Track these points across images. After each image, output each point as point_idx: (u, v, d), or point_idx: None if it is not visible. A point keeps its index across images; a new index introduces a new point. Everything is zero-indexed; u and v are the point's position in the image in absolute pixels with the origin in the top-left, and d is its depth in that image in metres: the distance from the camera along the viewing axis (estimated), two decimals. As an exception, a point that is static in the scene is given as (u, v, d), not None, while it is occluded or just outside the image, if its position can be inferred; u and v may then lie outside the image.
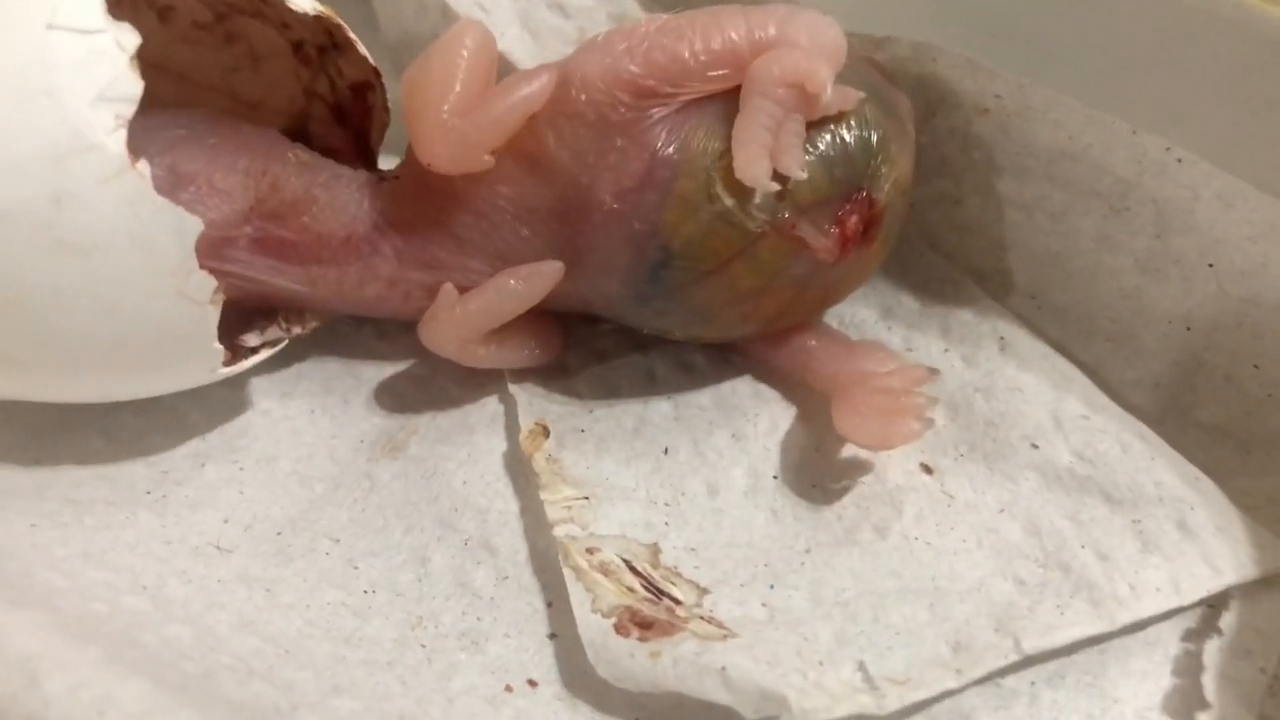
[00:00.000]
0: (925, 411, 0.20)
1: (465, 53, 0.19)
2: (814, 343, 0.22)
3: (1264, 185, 0.20)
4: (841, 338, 0.22)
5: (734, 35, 0.19)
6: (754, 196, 0.19)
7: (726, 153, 0.19)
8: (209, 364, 0.20)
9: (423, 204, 0.21)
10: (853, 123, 0.19)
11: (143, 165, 0.18)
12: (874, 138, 0.20)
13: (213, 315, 0.19)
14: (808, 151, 0.19)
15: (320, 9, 0.21)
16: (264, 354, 0.21)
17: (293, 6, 0.20)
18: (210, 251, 0.20)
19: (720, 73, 0.19)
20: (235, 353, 0.21)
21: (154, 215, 0.18)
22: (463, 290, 0.21)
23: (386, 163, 0.23)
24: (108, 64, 0.17)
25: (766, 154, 0.19)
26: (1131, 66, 0.21)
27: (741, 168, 0.19)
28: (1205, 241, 0.21)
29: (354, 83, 0.23)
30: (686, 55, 0.19)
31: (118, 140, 0.17)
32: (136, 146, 0.18)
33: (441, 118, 0.19)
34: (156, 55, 0.21)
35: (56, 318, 0.18)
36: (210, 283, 0.19)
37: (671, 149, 0.19)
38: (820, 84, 0.18)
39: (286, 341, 0.22)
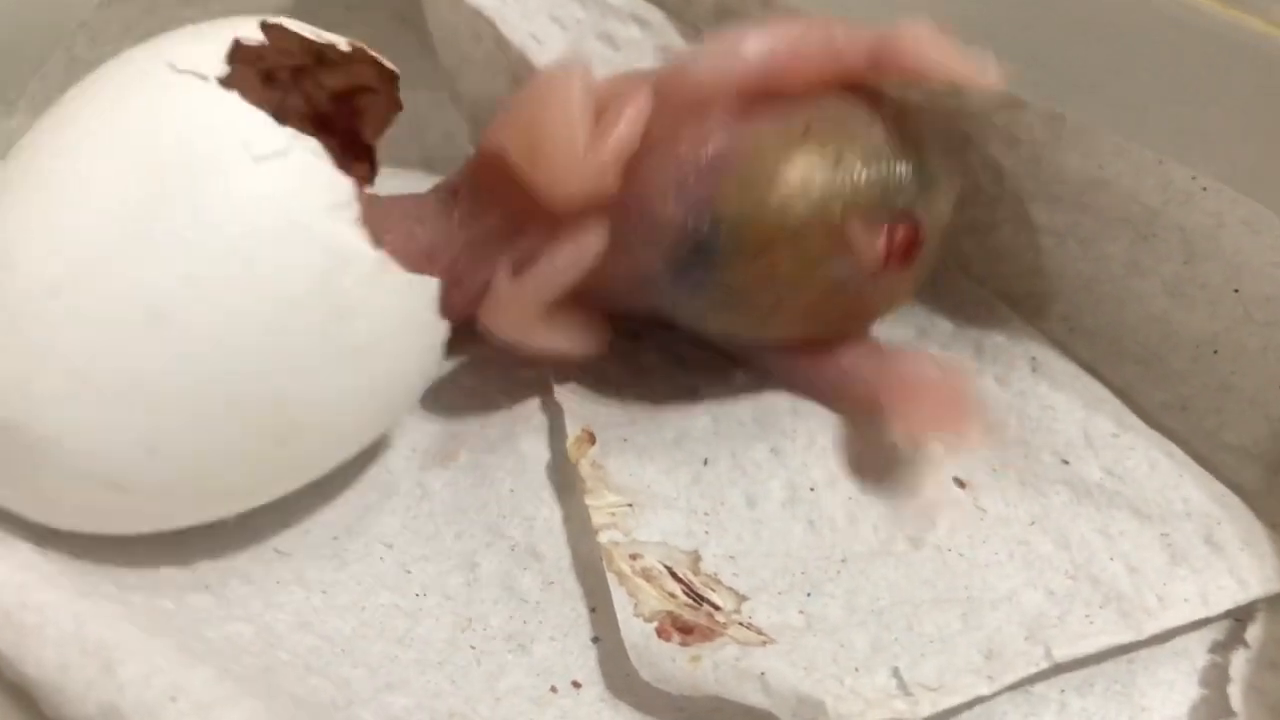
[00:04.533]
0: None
1: (578, 94, 0.20)
2: (848, 353, 0.22)
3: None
4: (875, 344, 0.23)
5: (838, 37, 0.20)
6: (813, 188, 0.20)
7: (791, 135, 0.20)
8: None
9: (485, 206, 0.22)
10: (919, 155, 0.20)
11: (383, 250, 0.19)
12: (932, 171, 0.21)
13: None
14: (874, 167, 0.20)
15: (316, 33, 0.21)
16: None
17: (318, 39, 0.21)
18: None
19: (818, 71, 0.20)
20: None
21: (410, 287, 0.19)
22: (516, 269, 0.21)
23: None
24: (314, 173, 0.18)
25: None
26: (1159, 96, 0.22)
27: (976, 70, 0.20)
28: (1231, 267, 0.21)
29: (339, 89, 0.23)
30: (799, 56, 0.20)
31: (360, 237, 0.18)
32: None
33: (578, 160, 0.20)
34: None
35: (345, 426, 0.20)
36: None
37: (742, 134, 0.20)
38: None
39: None
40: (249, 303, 0.18)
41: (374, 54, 0.21)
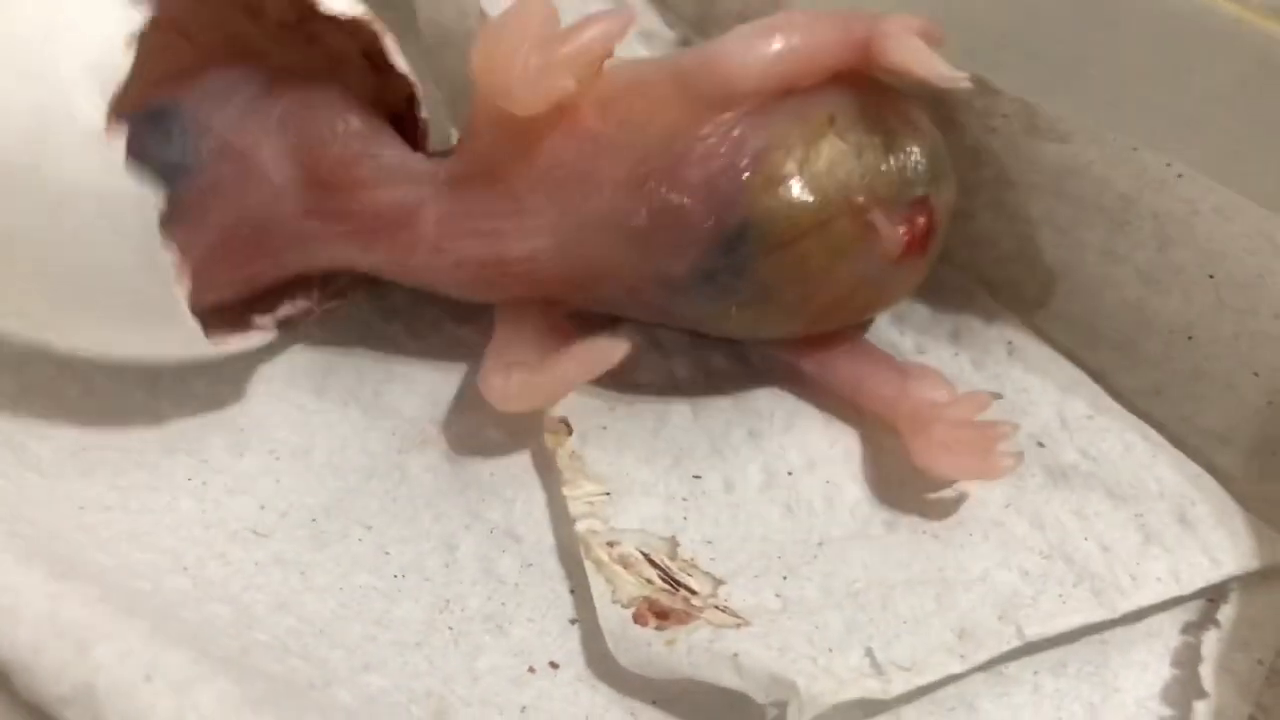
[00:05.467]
0: (1012, 443, 0.21)
1: (539, 6, 0.20)
2: (865, 363, 0.22)
3: (1261, 200, 0.21)
4: (887, 358, 0.23)
5: (856, 28, 0.20)
6: (838, 174, 0.20)
7: (816, 126, 0.20)
8: (186, 337, 0.20)
9: (480, 173, 0.21)
10: (929, 143, 0.21)
11: (118, 139, 0.18)
12: (942, 159, 0.21)
13: (178, 292, 0.19)
14: (893, 156, 0.20)
15: (359, 13, 0.21)
16: (254, 340, 0.22)
17: (327, 9, 0.21)
18: (263, 222, 0.21)
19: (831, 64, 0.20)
20: (248, 327, 0.22)
21: (122, 185, 0.18)
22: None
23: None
24: (103, 40, 0.18)
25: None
26: (1133, 84, 0.22)
27: (937, 72, 0.20)
28: (1205, 253, 0.21)
29: (405, 95, 0.23)
30: (822, 49, 0.20)
31: (97, 110, 0.18)
32: (201, 112, 0.19)
33: (526, 58, 0.19)
34: (246, 46, 0.22)
35: (33, 268, 0.19)
36: (171, 259, 0.19)
37: (766, 126, 0.20)
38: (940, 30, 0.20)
39: (274, 336, 0.22)
40: None
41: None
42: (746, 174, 0.20)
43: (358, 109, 0.22)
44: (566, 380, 0.21)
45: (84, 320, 0.20)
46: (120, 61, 0.18)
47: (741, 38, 0.20)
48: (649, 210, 0.20)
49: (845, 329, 0.23)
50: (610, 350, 0.21)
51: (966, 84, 0.20)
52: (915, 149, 0.20)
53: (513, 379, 0.21)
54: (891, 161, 0.20)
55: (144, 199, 0.19)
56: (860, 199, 0.20)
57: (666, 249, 0.21)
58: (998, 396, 0.22)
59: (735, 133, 0.20)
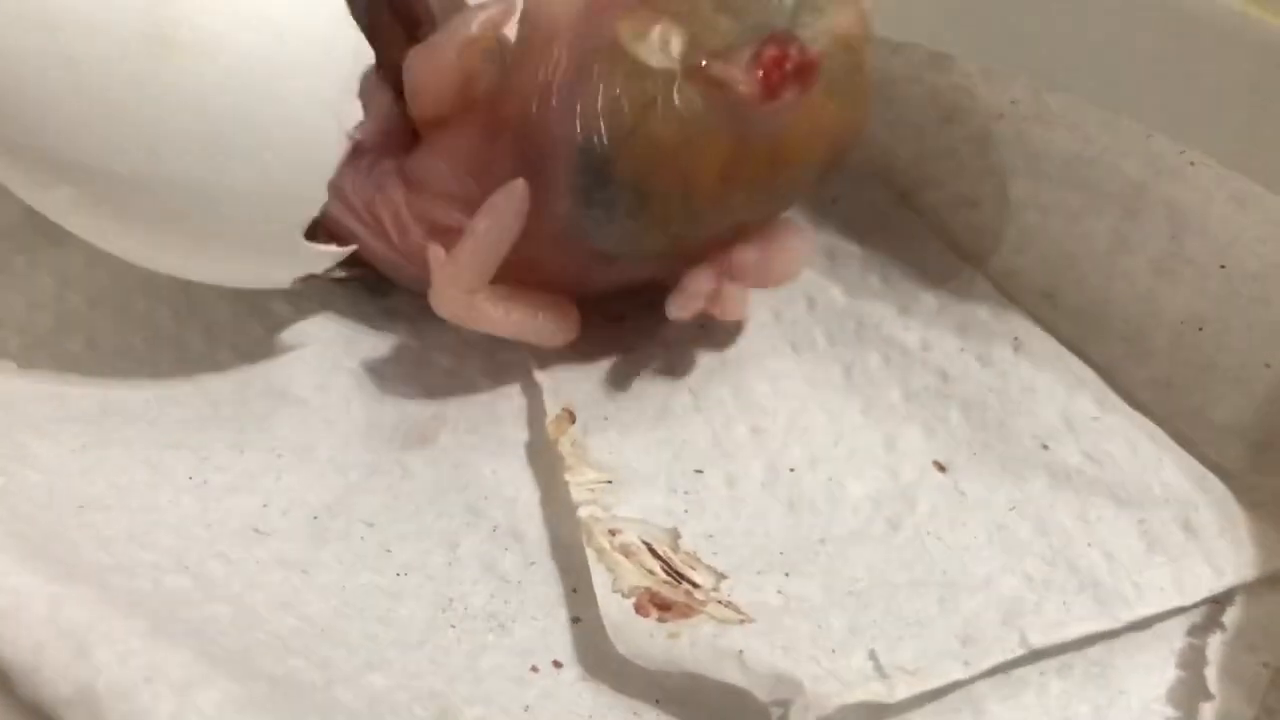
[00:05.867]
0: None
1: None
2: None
3: (1276, 189, 0.21)
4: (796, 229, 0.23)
5: None
6: (666, 45, 0.19)
7: (632, 11, 0.20)
8: (315, 198, 0.21)
9: (415, 157, 0.22)
10: None
11: None
12: None
13: (345, 146, 0.20)
14: (716, 3, 0.19)
15: None
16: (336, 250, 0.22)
17: None
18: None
19: None
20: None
21: (344, 31, 0.19)
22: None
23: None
24: None
25: None
26: (1146, 73, 0.22)
27: None
28: (1218, 243, 0.21)
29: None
30: None
31: None
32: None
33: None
34: None
35: (229, 80, 0.19)
36: (358, 115, 0.20)
37: (596, 39, 0.20)
38: None
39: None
40: None
41: None
42: (585, 88, 0.20)
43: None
44: (489, 230, 0.21)
45: (245, 145, 0.20)
46: None
47: None
48: (521, 163, 0.21)
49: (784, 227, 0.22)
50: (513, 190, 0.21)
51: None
52: None
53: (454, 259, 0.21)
54: (726, 12, 0.19)
55: (360, 52, 0.19)
56: (694, 59, 0.19)
57: (545, 193, 0.21)
58: None
59: (569, 56, 0.20)
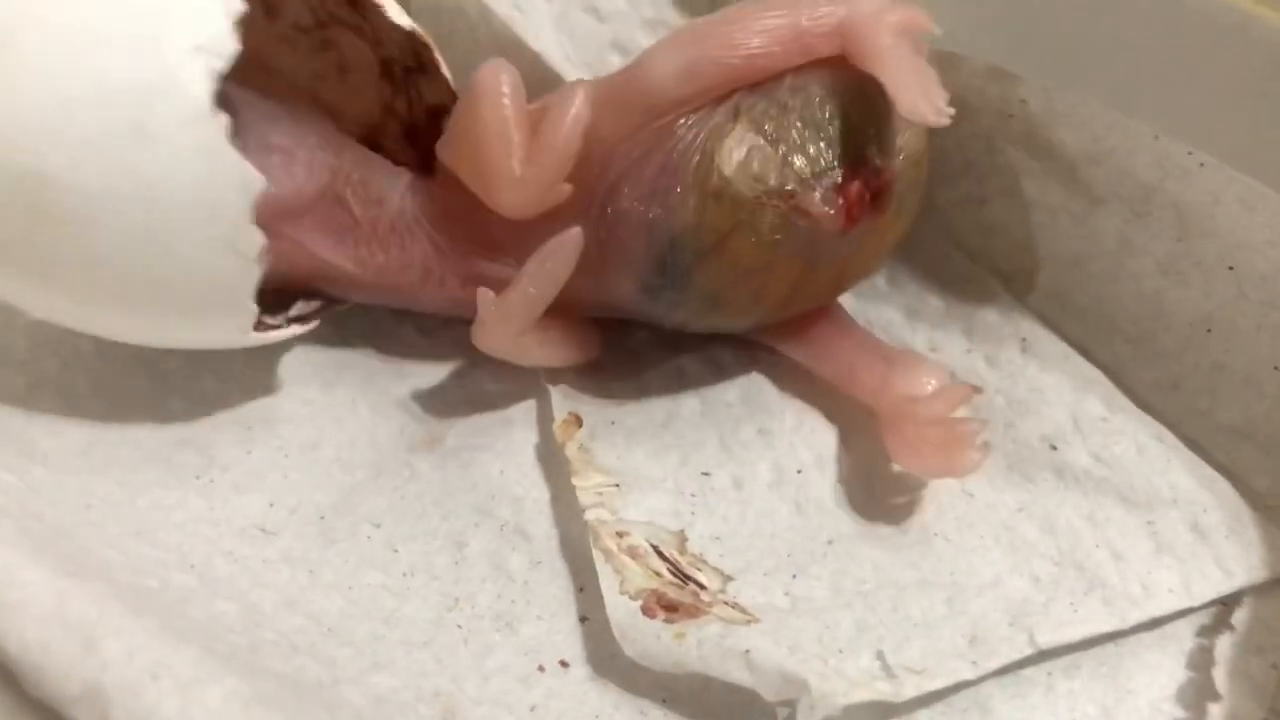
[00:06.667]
0: (980, 439, 0.20)
1: (507, 100, 0.20)
2: (851, 352, 0.22)
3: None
4: (877, 346, 0.22)
5: (806, 27, 0.19)
6: (751, 168, 0.19)
7: (722, 126, 0.20)
8: (241, 322, 0.20)
9: (457, 206, 0.22)
10: (865, 102, 0.20)
11: (222, 119, 0.18)
12: (874, 106, 0.20)
13: (255, 273, 0.20)
14: (805, 123, 0.20)
15: (414, 26, 0.22)
16: (293, 330, 0.22)
17: (390, 17, 0.21)
18: (278, 218, 0.21)
19: (774, 57, 0.20)
20: (267, 329, 0.22)
21: (223, 165, 0.19)
22: (497, 287, 0.21)
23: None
24: (211, 21, 0.18)
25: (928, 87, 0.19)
26: (1155, 73, 0.22)
27: (913, 108, 0.18)
28: (1226, 245, 0.21)
29: (431, 106, 0.23)
30: (753, 48, 0.19)
31: (204, 89, 0.18)
32: (240, 115, 0.19)
33: (514, 173, 0.20)
34: (254, 48, 0.22)
35: (112, 243, 0.19)
36: (260, 242, 0.19)
37: (689, 136, 0.20)
38: (927, 21, 0.19)
39: (315, 324, 0.23)
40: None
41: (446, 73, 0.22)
42: (669, 194, 0.20)
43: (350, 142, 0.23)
44: (543, 280, 0.21)
45: (146, 299, 0.20)
46: (228, 43, 0.18)
47: (661, 47, 0.20)
48: (595, 240, 0.21)
49: (829, 309, 0.22)
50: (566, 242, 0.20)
51: (946, 120, 0.19)
52: (847, 114, 0.20)
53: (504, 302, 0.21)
54: (814, 137, 0.19)
55: (247, 181, 0.19)
56: (782, 185, 0.19)
57: (613, 272, 0.21)
58: (978, 390, 0.21)
59: (664, 148, 0.20)
